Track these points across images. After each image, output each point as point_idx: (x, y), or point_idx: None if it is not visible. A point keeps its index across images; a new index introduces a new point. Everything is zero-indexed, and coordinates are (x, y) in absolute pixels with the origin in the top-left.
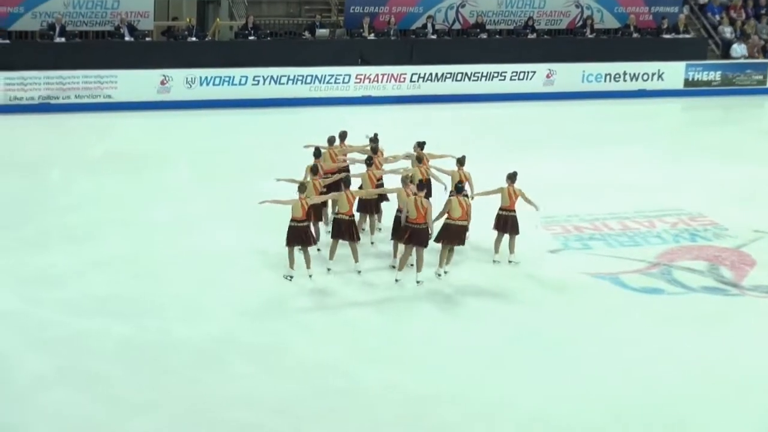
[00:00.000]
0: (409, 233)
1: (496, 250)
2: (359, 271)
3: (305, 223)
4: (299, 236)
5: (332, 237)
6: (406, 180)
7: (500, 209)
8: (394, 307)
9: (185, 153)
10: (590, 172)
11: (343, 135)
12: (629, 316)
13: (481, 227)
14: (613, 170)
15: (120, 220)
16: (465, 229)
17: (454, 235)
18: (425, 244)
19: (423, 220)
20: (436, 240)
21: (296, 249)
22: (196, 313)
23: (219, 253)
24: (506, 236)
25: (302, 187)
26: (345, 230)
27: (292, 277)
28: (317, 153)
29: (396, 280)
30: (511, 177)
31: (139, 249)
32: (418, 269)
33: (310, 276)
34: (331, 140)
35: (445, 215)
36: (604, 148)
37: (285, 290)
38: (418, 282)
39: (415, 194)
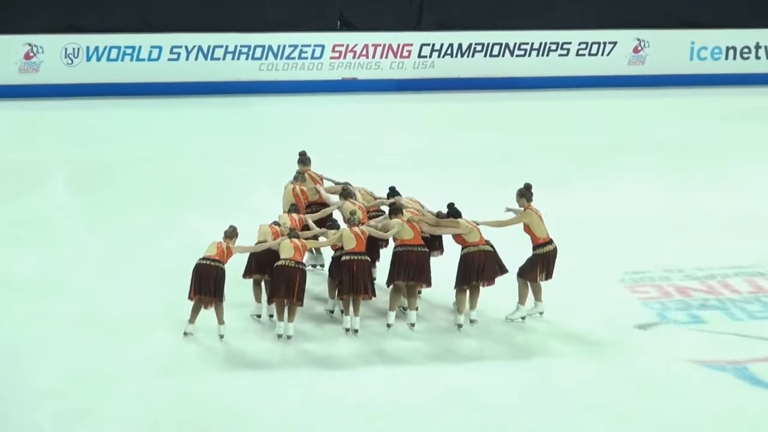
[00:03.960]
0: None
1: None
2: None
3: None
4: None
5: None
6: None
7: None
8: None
9: (59, 167)
10: (702, 204)
11: (303, 159)
12: (765, 427)
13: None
14: (739, 201)
15: None
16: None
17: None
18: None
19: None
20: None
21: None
22: (81, 418)
23: (110, 319)
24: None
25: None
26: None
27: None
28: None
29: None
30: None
31: None
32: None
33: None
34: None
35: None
36: (723, 165)
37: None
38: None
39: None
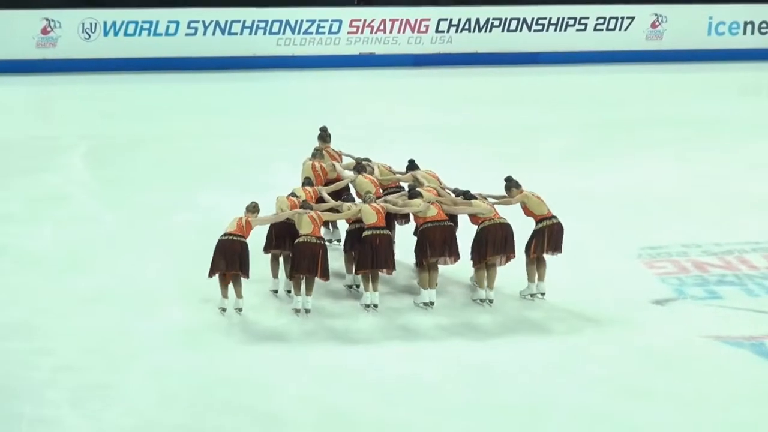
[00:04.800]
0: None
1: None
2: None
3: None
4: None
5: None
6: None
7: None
8: None
9: (79, 143)
10: (720, 180)
11: (323, 136)
12: None
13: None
14: (756, 175)
15: None
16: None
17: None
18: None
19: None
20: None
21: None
22: (99, 393)
23: (127, 294)
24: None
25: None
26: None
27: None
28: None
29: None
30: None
31: (4, 290)
32: None
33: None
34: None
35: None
36: (740, 140)
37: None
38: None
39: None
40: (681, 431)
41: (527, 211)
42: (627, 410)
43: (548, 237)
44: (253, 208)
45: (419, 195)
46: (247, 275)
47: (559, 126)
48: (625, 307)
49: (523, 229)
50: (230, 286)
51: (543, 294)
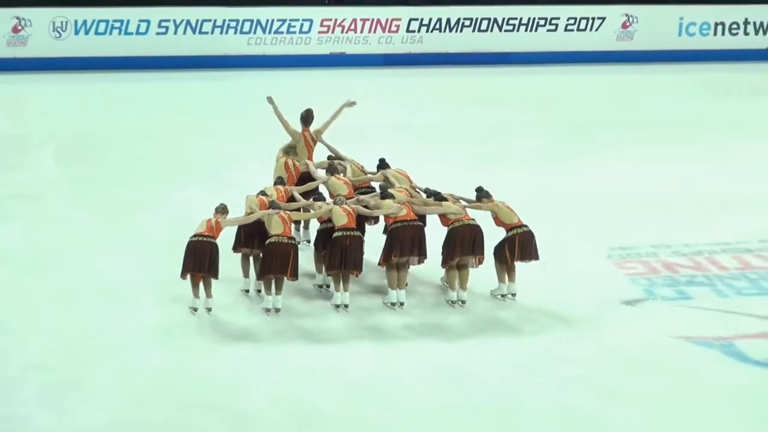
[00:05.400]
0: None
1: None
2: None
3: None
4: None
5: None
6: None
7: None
8: None
9: (49, 141)
10: (689, 179)
11: (306, 117)
12: (755, 405)
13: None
14: (727, 176)
15: None
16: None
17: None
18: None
19: None
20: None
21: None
22: (69, 391)
23: (97, 293)
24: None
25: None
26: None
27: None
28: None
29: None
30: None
31: None
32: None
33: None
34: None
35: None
36: (712, 141)
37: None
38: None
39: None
40: (652, 430)
41: (498, 221)
42: (598, 411)
43: (520, 245)
44: (222, 210)
45: (391, 196)
46: (216, 276)
47: (531, 126)
48: (595, 307)
49: (493, 231)
50: (201, 285)
51: (514, 294)
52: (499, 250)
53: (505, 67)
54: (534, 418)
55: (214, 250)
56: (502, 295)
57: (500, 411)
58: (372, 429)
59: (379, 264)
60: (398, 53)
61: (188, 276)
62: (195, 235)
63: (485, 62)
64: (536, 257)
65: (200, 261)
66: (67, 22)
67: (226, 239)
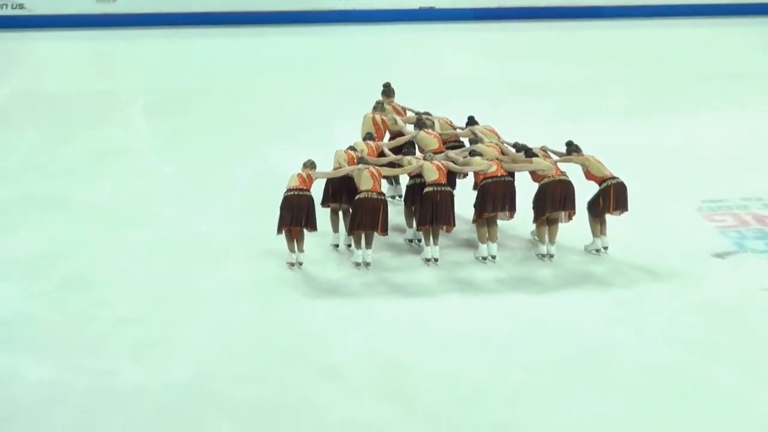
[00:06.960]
0: None
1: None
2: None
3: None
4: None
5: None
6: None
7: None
8: None
9: (136, 97)
10: None
11: (387, 90)
12: None
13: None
14: None
15: (38, 199)
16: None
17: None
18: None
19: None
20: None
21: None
22: (159, 345)
23: (187, 247)
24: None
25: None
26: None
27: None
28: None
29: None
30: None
31: (65, 243)
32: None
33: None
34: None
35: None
36: None
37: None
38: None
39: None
40: (741, 383)
41: (588, 175)
42: (686, 363)
43: (613, 197)
44: (310, 165)
45: (479, 154)
46: (315, 228)
47: (620, 80)
48: (685, 260)
49: (584, 185)
50: (280, 240)
51: (606, 248)
52: (592, 204)
53: (595, 21)
54: (625, 371)
55: (311, 202)
56: (596, 250)
57: (590, 365)
58: (459, 383)
59: (473, 221)
60: (488, 7)
61: (284, 231)
62: (289, 190)
63: (576, 16)
64: (626, 208)
65: (298, 215)
66: None
67: (314, 195)
